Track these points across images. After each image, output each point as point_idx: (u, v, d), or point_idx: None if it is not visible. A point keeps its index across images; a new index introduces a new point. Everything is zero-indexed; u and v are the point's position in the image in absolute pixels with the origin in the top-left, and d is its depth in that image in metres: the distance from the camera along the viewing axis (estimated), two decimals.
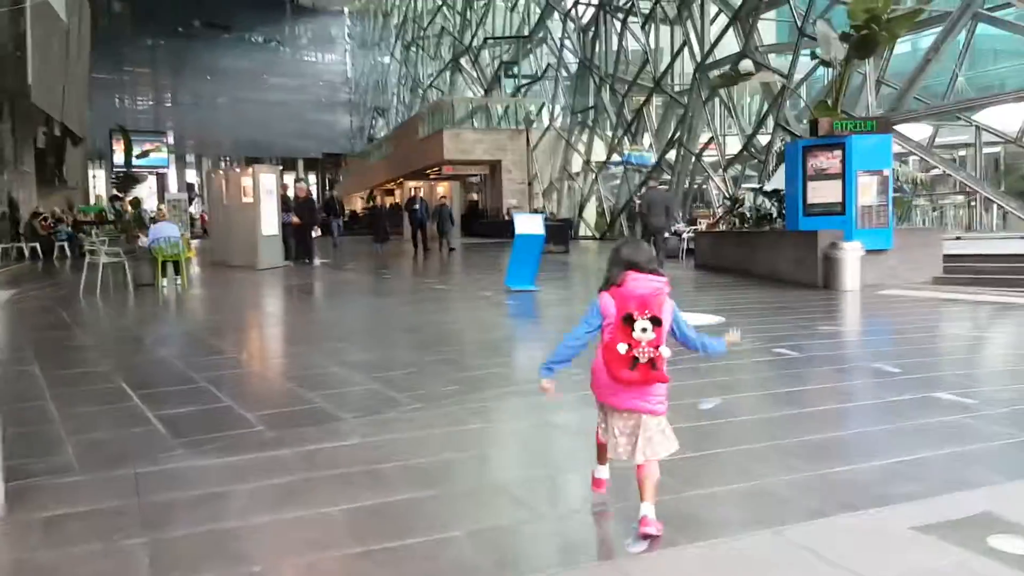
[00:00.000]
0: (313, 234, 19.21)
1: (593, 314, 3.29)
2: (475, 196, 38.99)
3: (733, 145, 24.70)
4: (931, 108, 17.70)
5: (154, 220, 15.83)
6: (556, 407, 5.50)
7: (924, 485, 3.88)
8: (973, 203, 18.35)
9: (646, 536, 3.19)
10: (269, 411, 5.38)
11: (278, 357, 8.10)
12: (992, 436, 4.67)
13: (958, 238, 15.45)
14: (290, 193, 19.30)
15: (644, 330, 3.13)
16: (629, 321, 3.14)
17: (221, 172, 19.41)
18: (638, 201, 20.01)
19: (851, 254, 12.05)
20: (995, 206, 18.23)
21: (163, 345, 8.19)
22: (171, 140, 64.51)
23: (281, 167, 19.75)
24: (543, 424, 5.09)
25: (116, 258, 12.75)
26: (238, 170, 18.55)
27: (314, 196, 28.65)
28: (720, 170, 24.50)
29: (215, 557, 3.16)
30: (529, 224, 12.43)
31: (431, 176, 38.57)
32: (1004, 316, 9.83)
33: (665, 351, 3.15)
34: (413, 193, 24.84)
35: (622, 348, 3.14)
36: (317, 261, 18.71)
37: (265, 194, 17.19)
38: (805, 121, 19.90)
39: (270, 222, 17.27)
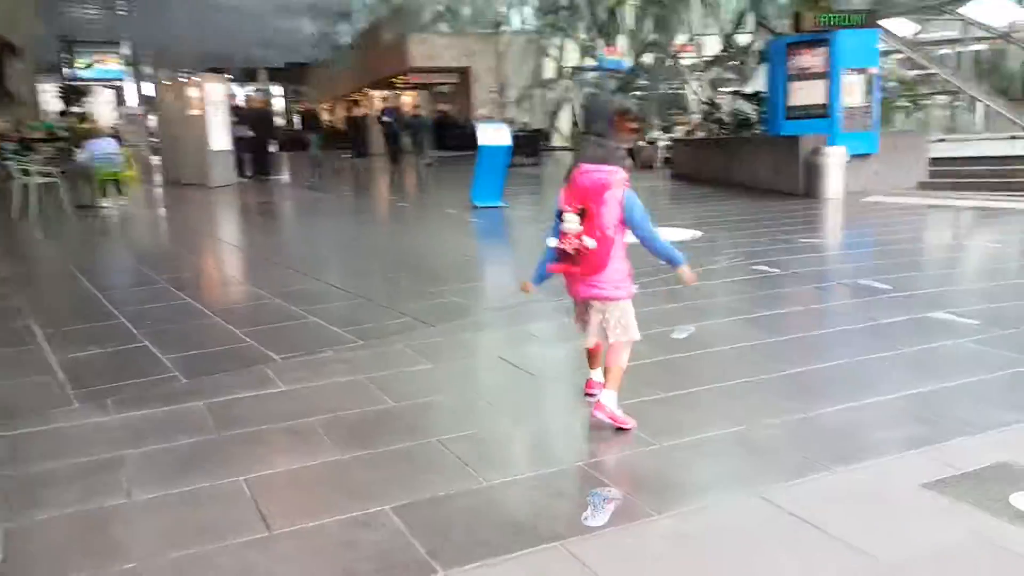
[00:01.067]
0: (271, 148, 18.24)
1: (556, 212, 3.37)
2: (445, 106, 37.61)
3: (712, 46, 23.64)
4: (919, 1, 16.78)
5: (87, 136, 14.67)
6: (516, 342, 4.95)
7: (929, 427, 3.37)
8: (957, 103, 17.65)
9: (594, 417, 3.39)
10: (189, 352, 4.75)
11: (213, 287, 7.41)
12: (1002, 364, 4.16)
13: (942, 140, 14.82)
14: (241, 105, 18.16)
15: (570, 224, 3.24)
16: (559, 216, 3.30)
17: (166, 83, 18.17)
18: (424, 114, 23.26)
19: (834, 160, 11.42)
20: (979, 106, 17.58)
21: (87, 275, 7.46)
22: (127, 51, 61.60)
23: (231, 77, 18.49)
24: (498, 364, 4.51)
25: (49, 178, 11.80)
26: (184, 81, 17.33)
27: (274, 107, 27.40)
28: (698, 73, 23.50)
29: (80, 550, 2.59)
30: (493, 135, 11.63)
31: (398, 85, 37.01)
32: (994, 223, 9.31)
33: (588, 241, 3.20)
34: (385, 103, 22.96)
35: (552, 242, 3.33)
36: (277, 178, 17.86)
37: (213, 106, 16.10)
38: (787, 19, 18.94)
39: (220, 136, 16.24)
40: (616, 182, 3.23)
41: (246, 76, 71.73)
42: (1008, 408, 3.57)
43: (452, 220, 11.10)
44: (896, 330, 4.88)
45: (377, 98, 34.01)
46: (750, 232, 8.96)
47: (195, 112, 16.30)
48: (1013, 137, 15.64)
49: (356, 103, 44.27)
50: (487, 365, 4.50)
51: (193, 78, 16.91)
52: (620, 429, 3.37)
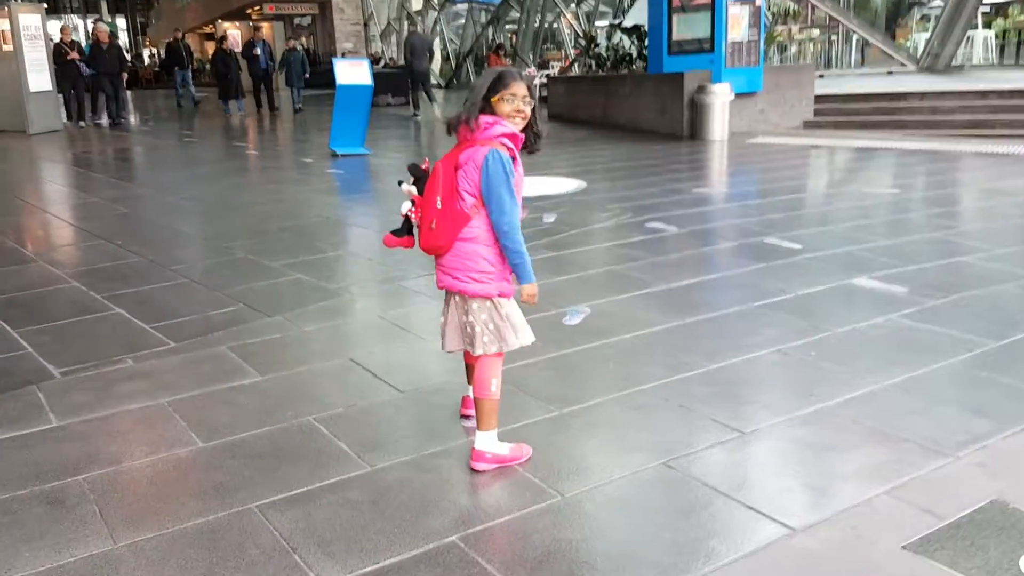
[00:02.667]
0: (120, 88, 16.10)
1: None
2: (303, 41, 35.13)
3: None
4: None
5: None
6: (377, 338, 3.96)
7: (889, 450, 2.66)
8: (834, 37, 17.49)
9: (474, 470, 2.58)
10: None
11: None
12: (949, 348, 3.51)
13: (821, 76, 14.53)
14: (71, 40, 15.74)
15: (405, 188, 2.58)
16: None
17: None
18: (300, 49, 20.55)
19: (720, 99, 10.80)
20: (853, 40, 17.50)
21: None
22: None
23: (45, 4, 15.97)
24: (352, 371, 3.51)
25: None
26: None
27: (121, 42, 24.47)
28: (573, 5, 22.51)
29: None
30: (352, 73, 10.32)
31: (253, 17, 34.18)
32: (886, 165, 8.93)
33: (405, 206, 2.58)
34: (254, 35, 19.08)
35: (404, 207, 2.60)
36: (123, 122, 15.94)
37: (29, 40, 13.87)
38: None
39: (39, 75, 14.06)
40: (487, 137, 2.44)
41: (85, 6, 65.34)
42: (974, 413, 2.90)
43: (308, 171, 9.82)
44: (819, 305, 4.18)
45: (230, 30, 31.12)
46: (638, 181, 8.20)
47: (7, 48, 14.02)
48: (890, 72, 15.63)
49: (213, 36, 40.84)
50: (337, 372, 3.49)
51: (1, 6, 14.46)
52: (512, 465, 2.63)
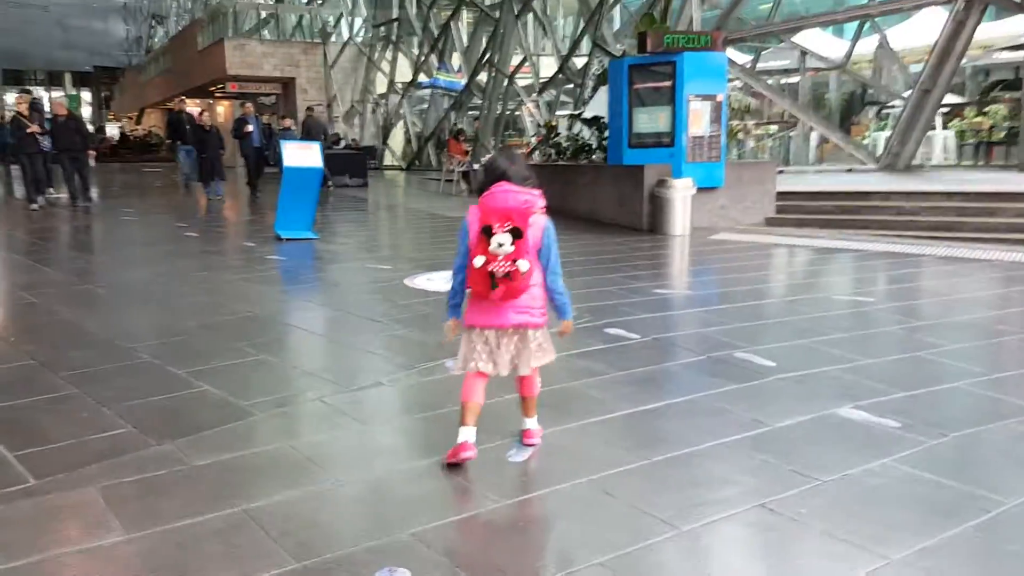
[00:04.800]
0: (90, 162, 14.44)
1: (463, 230, 3.11)
2: (266, 118, 34.99)
3: (548, 67, 22.83)
4: (761, 25, 16.52)
5: None
6: (289, 473, 3.26)
7: None
8: (794, 134, 17.60)
9: (530, 444, 3.44)
10: None
11: None
12: (962, 505, 2.95)
13: (780, 171, 14.45)
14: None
15: (501, 244, 2.96)
16: (487, 233, 2.98)
17: None
18: (295, 128, 18.81)
19: (681, 193, 10.50)
20: (812, 136, 17.61)
21: None
22: None
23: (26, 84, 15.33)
24: (239, 527, 2.82)
25: None
26: None
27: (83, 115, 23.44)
28: (534, 94, 22.60)
29: None
30: (300, 155, 9.85)
31: (216, 94, 33.98)
32: (857, 268, 8.59)
33: (523, 264, 2.98)
34: (243, 111, 16.86)
35: (478, 261, 3.00)
36: (88, 202, 14.40)
37: None
38: (624, 41, 18.33)
39: None
40: (540, 207, 3.10)
41: (49, 78, 64.95)
42: None
43: (247, 257, 9.20)
44: (802, 442, 3.63)
45: (192, 105, 30.76)
46: (597, 279, 7.72)
47: None
48: (849, 170, 15.64)
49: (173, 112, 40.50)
50: (223, 531, 2.80)
51: None
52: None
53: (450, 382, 4.35)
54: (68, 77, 63.46)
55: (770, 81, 18.48)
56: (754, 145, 18.57)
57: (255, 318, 6.08)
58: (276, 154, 14.97)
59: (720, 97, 10.98)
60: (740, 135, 17.05)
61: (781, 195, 11.87)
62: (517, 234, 2.97)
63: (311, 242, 9.92)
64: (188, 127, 17.40)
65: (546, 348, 3.33)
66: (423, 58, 27.34)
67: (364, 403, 4.17)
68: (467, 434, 3.22)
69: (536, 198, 3.09)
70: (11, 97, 15.75)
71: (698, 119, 10.81)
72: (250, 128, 16.40)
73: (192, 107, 28.87)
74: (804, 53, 17.22)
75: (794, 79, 18.88)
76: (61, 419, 3.87)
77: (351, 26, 32.05)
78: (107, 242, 10.54)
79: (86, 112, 61.91)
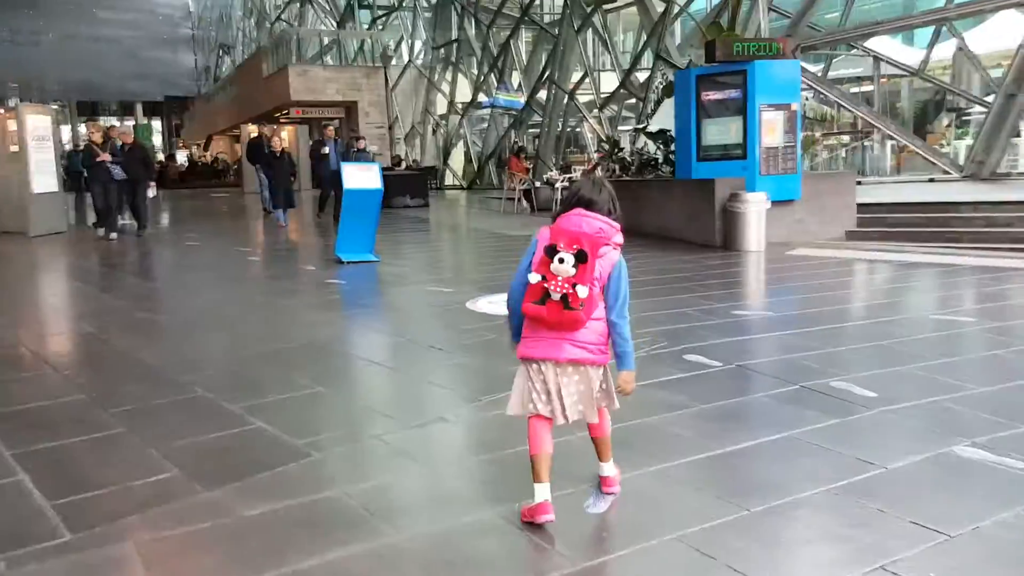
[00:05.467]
0: (150, 193, 14.04)
1: (531, 247, 2.86)
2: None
3: (609, 83, 22.47)
4: (833, 32, 15.85)
5: None
6: (321, 539, 2.93)
7: None
8: (869, 143, 16.82)
9: (611, 494, 3.10)
10: None
11: None
12: None
13: (859, 183, 13.76)
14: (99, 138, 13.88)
15: (563, 261, 2.73)
16: (551, 253, 2.76)
17: None
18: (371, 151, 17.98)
19: (755, 207, 9.98)
20: (888, 145, 16.82)
21: None
22: None
23: (58, 106, 15.68)
24: None
25: None
26: (3, 112, 14.61)
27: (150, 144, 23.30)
28: (596, 110, 22.25)
29: None
30: (361, 176, 9.67)
31: (281, 120, 34.56)
32: (954, 286, 7.96)
33: (582, 290, 2.72)
34: (323, 133, 16.19)
35: (534, 278, 2.76)
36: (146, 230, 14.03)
37: (36, 141, 13.52)
38: (689, 53, 17.87)
39: (45, 176, 13.66)
40: (616, 240, 2.89)
41: (123, 109, 67.35)
42: None
43: (306, 281, 9.04)
44: (919, 488, 3.17)
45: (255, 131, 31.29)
46: (670, 299, 7.29)
47: (14, 148, 13.69)
48: (931, 179, 14.84)
49: (271, 135, 41.25)
50: None
51: (8, 109, 14.22)
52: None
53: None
54: (139, 107, 65.59)
55: (848, 89, 17.78)
56: (828, 156, 17.84)
57: (313, 345, 5.83)
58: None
59: (794, 106, 10.45)
60: (816, 145, 16.35)
61: (861, 207, 11.24)
62: (582, 258, 2.73)
63: (372, 264, 9.72)
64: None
65: (610, 392, 2.98)
66: (482, 77, 27.28)
67: (426, 442, 3.85)
68: (544, 492, 2.87)
69: (613, 229, 2.86)
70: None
71: (772, 129, 10.29)
72: (327, 151, 15.63)
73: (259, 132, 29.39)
74: (878, 60, 16.49)
75: (867, 87, 18.13)
76: (106, 461, 3.64)
77: (411, 49, 32.27)
78: (168, 268, 10.55)
79: (157, 140, 63.91)
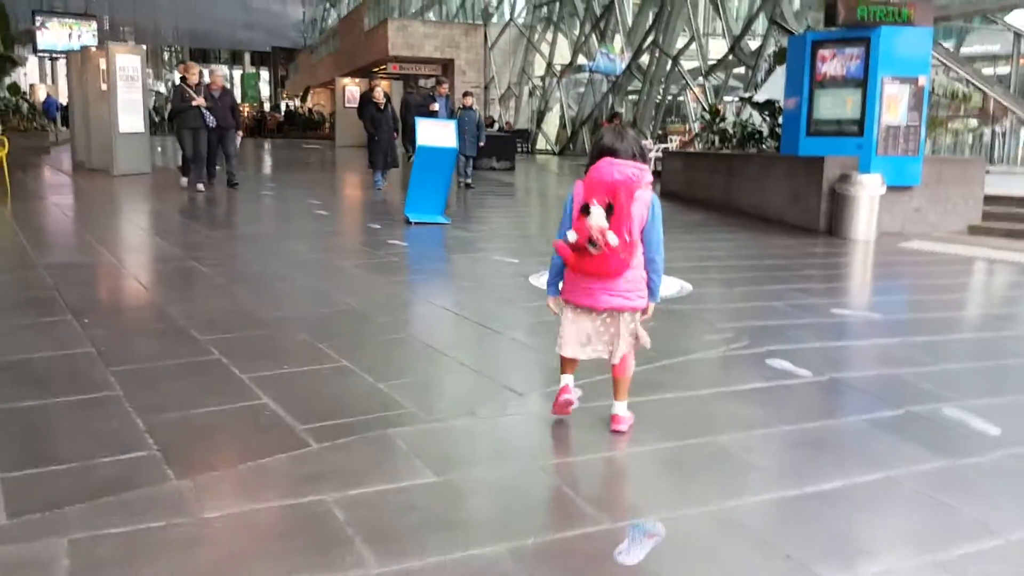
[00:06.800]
0: (237, 140, 12.94)
1: (567, 204, 3.02)
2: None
3: (717, 49, 21.18)
4: (972, 3, 14.24)
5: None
6: None
7: None
8: (1000, 128, 15.21)
9: (617, 432, 3.20)
10: None
11: None
12: None
13: (987, 172, 12.37)
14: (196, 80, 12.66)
15: (597, 217, 2.86)
16: (586, 211, 2.90)
17: (78, 52, 15.45)
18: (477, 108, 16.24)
19: (868, 191, 8.94)
20: (1022, 132, 15.18)
21: None
22: (105, 25, 58.37)
23: (145, 47, 15.50)
24: None
25: None
26: (94, 50, 14.61)
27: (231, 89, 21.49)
28: (701, 78, 21.04)
29: None
30: (435, 133, 9.10)
31: (380, 74, 34.39)
32: None
33: (612, 238, 2.85)
34: (434, 87, 14.76)
35: (571, 236, 2.92)
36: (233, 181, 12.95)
37: (125, 81, 13.50)
38: (807, 17, 16.55)
39: (132, 116, 13.64)
40: (647, 182, 2.98)
41: (233, 58, 68.83)
42: None
43: (368, 240, 8.57)
44: None
45: (349, 87, 31.15)
46: (760, 289, 6.47)
47: (103, 87, 13.73)
48: None
49: (372, 87, 41.23)
50: None
51: (99, 47, 14.20)
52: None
53: (559, 422, 3.38)
54: (247, 56, 66.89)
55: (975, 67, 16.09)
56: (953, 140, 16.27)
57: (353, 312, 5.32)
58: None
59: (922, 80, 9.29)
60: (943, 127, 14.84)
61: (988, 199, 10.02)
62: (611, 209, 2.87)
63: (441, 227, 9.18)
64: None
65: (640, 333, 3.19)
66: (583, 39, 26.28)
67: (444, 443, 3.26)
68: (567, 379, 3.27)
69: (643, 172, 2.97)
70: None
71: (894, 105, 9.18)
72: (436, 107, 14.05)
73: (352, 86, 29.25)
74: (1019, 36, 14.80)
75: (1002, 69, 16.39)
76: (81, 430, 3.20)
77: (512, 7, 31.43)
78: (231, 217, 10.26)
79: (264, 91, 65.09)
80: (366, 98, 14.65)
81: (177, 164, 13.88)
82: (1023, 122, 14.08)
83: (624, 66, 23.41)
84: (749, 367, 4.32)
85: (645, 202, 2.96)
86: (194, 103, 12.08)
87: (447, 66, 30.95)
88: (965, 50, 16.04)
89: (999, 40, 15.69)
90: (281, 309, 5.26)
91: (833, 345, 4.99)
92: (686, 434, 3.37)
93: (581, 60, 26.19)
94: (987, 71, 16.98)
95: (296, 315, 5.13)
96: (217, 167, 12.74)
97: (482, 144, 14.81)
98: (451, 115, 14.08)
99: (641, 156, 3.03)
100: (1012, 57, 14.61)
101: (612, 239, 2.85)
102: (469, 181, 14.33)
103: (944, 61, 14.42)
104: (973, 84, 14.75)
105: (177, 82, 12.95)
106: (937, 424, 3.57)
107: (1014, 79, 15.18)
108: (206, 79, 13.10)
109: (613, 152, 2.98)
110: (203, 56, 63.41)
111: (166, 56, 64.89)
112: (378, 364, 4.13)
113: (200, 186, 12.15)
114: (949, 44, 15.47)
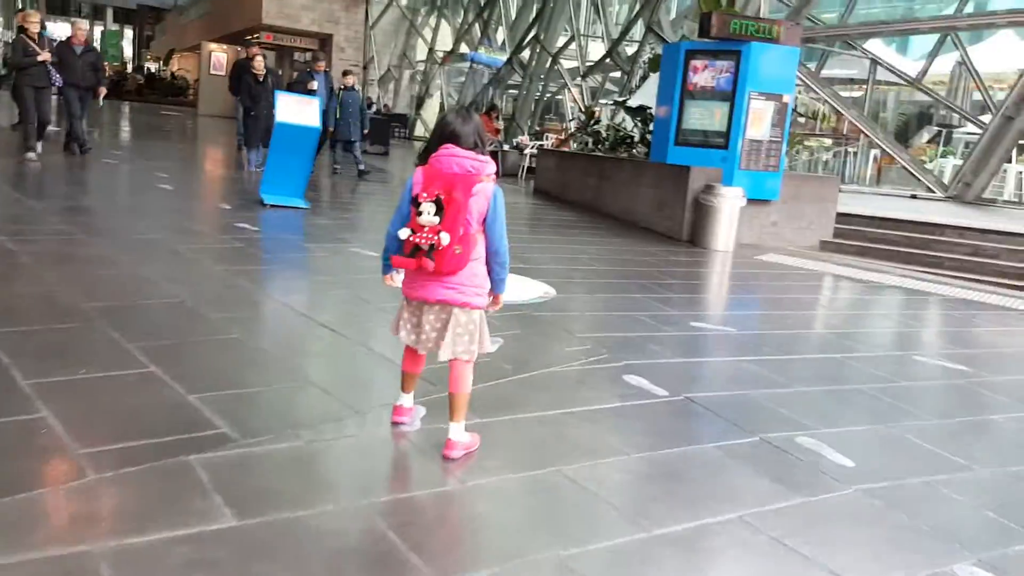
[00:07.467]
0: (100, 99, 11.57)
1: (406, 191, 2.92)
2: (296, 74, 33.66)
3: (596, 51, 21.31)
4: (834, 27, 14.89)
5: None
6: None
7: None
8: (853, 149, 15.99)
9: (449, 459, 2.96)
10: None
11: None
12: None
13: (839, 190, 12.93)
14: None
15: (426, 213, 2.79)
16: (415, 204, 2.81)
17: None
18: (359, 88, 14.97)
19: (729, 203, 9.06)
20: (871, 155, 16.04)
21: None
22: None
23: None
24: None
25: None
26: None
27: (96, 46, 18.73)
28: (579, 78, 21.11)
29: None
30: (295, 110, 8.51)
31: (253, 43, 32.66)
32: (943, 320, 7.14)
33: (444, 237, 2.77)
34: (311, 63, 13.31)
35: (403, 233, 2.83)
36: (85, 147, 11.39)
37: None
38: (682, 27, 16.83)
39: None
40: (487, 174, 2.90)
41: (94, 12, 63.93)
42: None
43: (213, 221, 7.91)
44: None
45: (215, 52, 29.39)
46: (623, 298, 6.35)
47: None
48: (913, 196, 14.09)
49: (251, 55, 38.77)
50: None
51: None
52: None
53: (397, 448, 3.03)
54: (110, 12, 62.46)
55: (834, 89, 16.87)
56: (809, 158, 17.00)
57: (180, 307, 4.73)
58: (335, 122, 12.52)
59: (786, 98, 9.50)
60: (801, 145, 15.45)
61: (840, 216, 10.41)
62: (440, 204, 2.78)
63: (298, 212, 8.60)
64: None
65: (475, 336, 2.97)
66: (466, 28, 25.90)
67: (256, 474, 2.83)
68: (405, 400, 3.22)
69: (483, 164, 2.88)
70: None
71: (758, 120, 9.34)
72: (314, 86, 12.46)
73: (219, 52, 27.66)
74: (875, 63, 15.60)
75: (857, 92, 17.27)
76: None
77: None
78: (61, 187, 9.25)
79: (127, 51, 60.94)
80: (242, 67, 13.06)
81: (11, 123, 12.35)
82: (874, 145, 14.82)
83: (504, 60, 23.21)
84: (606, 383, 4.11)
85: (486, 195, 2.87)
86: (39, 58, 10.40)
87: (325, 41, 29.79)
88: (825, 72, 16.77)
89: (857, 66, 16.49)
90: (95, 299, 4.62)
91: (691, 361, 4.89)
92: (533, 463, 3.09)
93: (463, 49, 25.81)
94: (844, 94, 17.88)
95: (111, 307, 4.50)
96: (57, 129, 11.32)
97: (366, 131, 13.69)
98: (331, 94, 12.90)
99: (482, 145, 2.95)
100: (867, 82, 15.36)
101: (444, 238, 2.77)
102: (362, 167, 13.22)
103: (806, 81, 14.99)
104: (831, 104, 15.42)
105: (16, 33, 11.41)
106: (791, 454, 3.46)
107: (868, 103, 15.99)
108: (49, 32, 11.54)
109: (455, 136, 2.88)
110: (61, 9, 58.59)
111: (20, 3, 59.73)
112: (194, 371, 3.62)
113: (32, 156, 10.40)
114: (812, 65, 16.12)
